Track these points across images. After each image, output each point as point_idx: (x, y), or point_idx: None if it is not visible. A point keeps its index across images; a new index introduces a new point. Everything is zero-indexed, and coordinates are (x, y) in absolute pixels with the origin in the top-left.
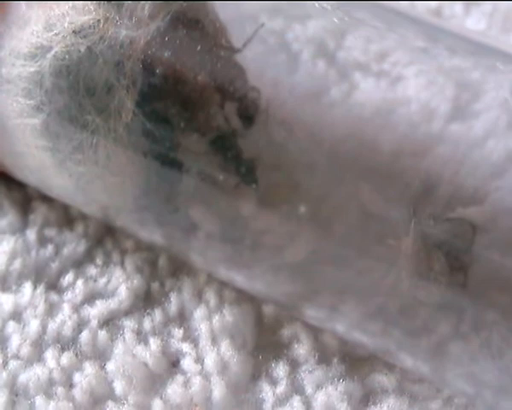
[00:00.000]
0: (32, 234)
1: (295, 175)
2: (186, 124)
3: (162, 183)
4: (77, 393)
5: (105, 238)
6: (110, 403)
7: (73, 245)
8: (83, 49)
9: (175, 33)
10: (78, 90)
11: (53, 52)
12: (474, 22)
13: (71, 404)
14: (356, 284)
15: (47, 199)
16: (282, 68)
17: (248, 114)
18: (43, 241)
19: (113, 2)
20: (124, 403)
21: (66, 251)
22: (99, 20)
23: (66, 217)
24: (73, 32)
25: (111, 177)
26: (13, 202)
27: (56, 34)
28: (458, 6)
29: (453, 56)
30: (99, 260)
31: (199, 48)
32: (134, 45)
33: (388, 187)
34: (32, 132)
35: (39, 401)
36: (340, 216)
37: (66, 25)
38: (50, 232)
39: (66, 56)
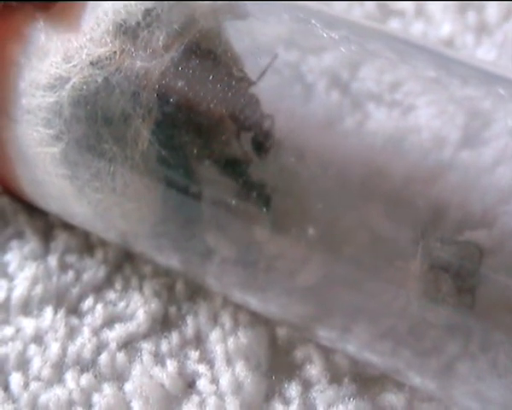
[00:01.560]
0: (53, 260)
1: (307, 201)
2: (200, 152)
3: (178, 209)
4: None
5: (124, 264)
6: None
7: (93, 271)
8: (100, 79)
9: (189, 63)
10: (95, 120)
11: (71, 83)
12: (485, 52)
13: None
14: (366, 306)
15: (68, 226)
16: (297, 98)
17: (262, 142)
18: (63, 267)
19: (129, 34)
20: None
21: (86, 277)
22: (115, 52)
23: (87, 243)
24: (91, 63)
25: (128, 204)
26: (35, 229)
27: (74, 66)
28: (469, 36)
29: (464, 86)
30: (118, 286)
31: (212, 78)
32: (149, 76)
33: (398, 211)
34: (51, 161)
35: None
36: (351, 240)
37: (83, 56)
38: (71, 258)
39: (84, 87)
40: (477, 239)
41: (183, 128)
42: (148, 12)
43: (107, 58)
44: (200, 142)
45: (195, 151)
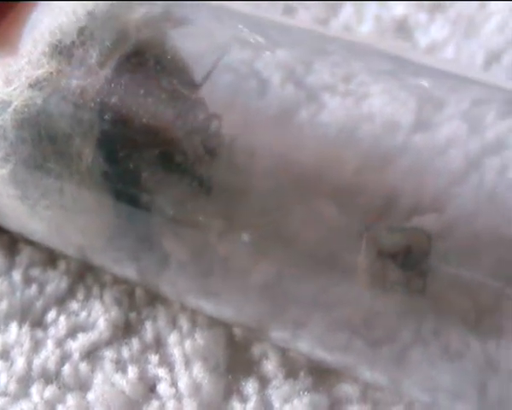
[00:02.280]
0: (17, 275)
1: (258, 198)
2: (147, 161)
3: (131, 220)
4: None
5: (86, 273)
6: None
7: (56, 282)
8: (39, 101)
9: (126, 76)
10: (39, 140)
11: (13, 106)
12: (438, 29)
13: None
14: (318, 300)
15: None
16: (248, 95)
17: (210, 144)
18: (27, 281)
19: (64, 53)
20: None
21: (49, 289)
22: (52, 73)
23: (50, 256)
24: (30, 85)
25: (80, 219)
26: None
27: (15, 89)
28: (423, 15)
29: (417, 78)
30: (80, 295)
31: (153, 86)
32: (85, 93)
33: (348, 202)
34: (1, 181)
35: None
36: (303, 234)
37: (23, 79)
38: (35, 272)
39: (26, 109)
40: (426, 224)
41: (126, 141)
42: (81, 30)
43: (44, 79)
44: (146, 151)
45: (143, 161)
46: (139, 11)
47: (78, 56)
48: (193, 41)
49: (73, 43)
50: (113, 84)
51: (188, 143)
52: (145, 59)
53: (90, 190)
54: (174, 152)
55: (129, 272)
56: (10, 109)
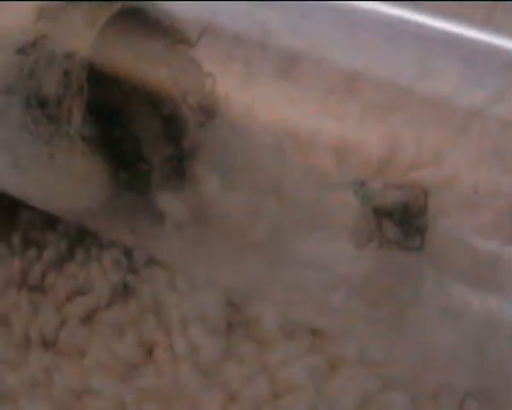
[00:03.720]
0: (16, 238)
1: (255, 157)
2: (145, 119)
3: (124, 183)
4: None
5: (85, 236)
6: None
7: (55, 245)
8: (27, 66)
9: (116, 36)
10: (30, 105)
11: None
12: None
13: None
14: (316, 257)
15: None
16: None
17: (208, 104)
18: (26, 244)
19: (50, 17)
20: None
21: (48, 252)
22: (38, 37)
23: (49, 219)
24: (17, 50)
25: (72, 184)
26: None
27: (1, 56)
28: None
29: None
30: (79, 258)
31: (143, 46)
32: (73, 56)
33: (344, 157)
34: None
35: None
36: (299, 191)
37: (9, 46)
38: (34, 235)
39: (14, 74)
40: (421, 180)
41: (118, 102)
42: None
43: (31, 44)
44: (144, 109)
45: (140, 120)
46: None
47: (65, 19)
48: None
49: (59, 6)
50: (101, 45)
51: (183, 103)
52: (134, 19)
53: (81, 154)
54: (168, 112)
55: (125, 236)
56: None
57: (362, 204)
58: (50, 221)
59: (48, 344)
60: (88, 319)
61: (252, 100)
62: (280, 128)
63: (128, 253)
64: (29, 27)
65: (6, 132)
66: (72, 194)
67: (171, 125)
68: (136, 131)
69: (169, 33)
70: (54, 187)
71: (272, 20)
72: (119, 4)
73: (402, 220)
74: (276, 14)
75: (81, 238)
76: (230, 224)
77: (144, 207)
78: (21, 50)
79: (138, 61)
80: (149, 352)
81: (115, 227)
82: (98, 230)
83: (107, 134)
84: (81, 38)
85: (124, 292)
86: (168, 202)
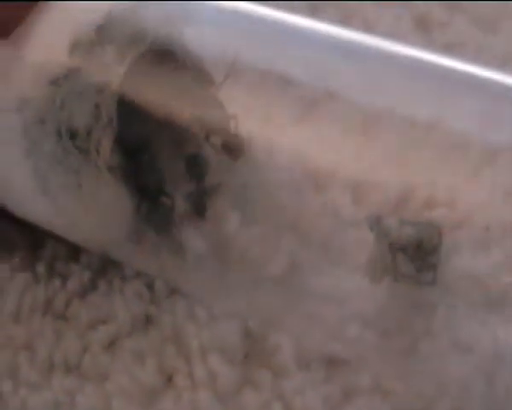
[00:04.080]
0: (41, 268)
1: (276, 195)
2: (169, 157)
3: (150, 215)
4: None
5: (108, 267)
6: None
7: (78, 276)
8: (59, 97)
9: (145, 73)
10: (59, 136)
11: (33, 103)
12: None
13: None
14: (331, 292)
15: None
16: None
17: (232, 145)
18: (51, 274)
19: (83, 51)
20: None
21: (71, 282)
22: (71, 70)
23: (73, 250)
24: (50, 82)
25: (98, 214)
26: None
27: (35, 86)
28: None
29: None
30: (102, 289)
31: (174, 83)
32: (103, 90)
33: (361, 195)
34: (23, 177)
35: None
36: (317, 228)
37: (43, 76)
38: (58, 266)
39: (46, 106)
40: (436, 219)
41: (145, 137)
42: (100, 29)
43: (64, 76)
44: (168, 146)
45: (164, 155)
46: (156, 10)
47: (97, 54)
48: (209, 41)
49: (92, 41)
50: (130, 81)
51: (206, 143)
52: (163, 58)
53: (108, 185)
54: (192, 150)
55: (148, 266)
56: (31, 106)
57: (377, 239)
58: (74, 253)
59: (71, 369)
60: (110, 346)
61: (272, 140)
62: (299, 167)
63: (150, 285)
64: (62, 60)
65: (37, 161)
66: (97, 224)
67: (194, 163)
68: (160, 166)
69: (195, 73)
70: (80, 216)
71: (293, 62)
72: (148, 42)
73: (416, 256)
74: (296, 57)
75: (104, 270)
76: (249, 258)
77: (166, 240)
78: (54, 82)
79: (164, 99)
80: (169, 378)
81: (138, 258)
82: (122, 260)
83: (132, 166)
84: (112, 72)
85: (145, 322)
86: (189, 236)
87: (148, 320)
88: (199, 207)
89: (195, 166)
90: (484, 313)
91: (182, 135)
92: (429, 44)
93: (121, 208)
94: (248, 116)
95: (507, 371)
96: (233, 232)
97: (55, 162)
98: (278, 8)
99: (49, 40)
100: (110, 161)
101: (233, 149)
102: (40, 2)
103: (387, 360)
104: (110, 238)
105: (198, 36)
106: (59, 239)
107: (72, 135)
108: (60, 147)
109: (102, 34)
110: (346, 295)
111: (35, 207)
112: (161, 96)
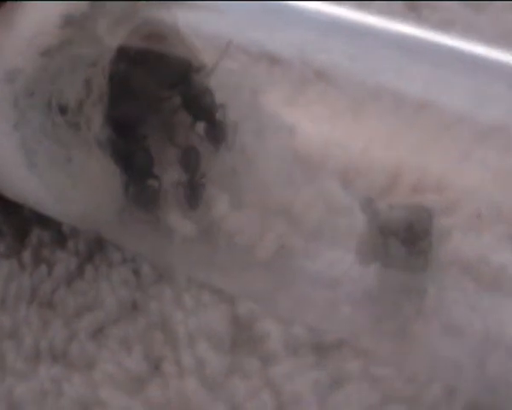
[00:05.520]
0: (27, 256)
1: (265, 180)
2: (156, 138)
3: (139, 195)
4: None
5: (94, 254)
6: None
7: (65, 263)
8: (50, 70)
9: (136, 49)
10: (49, 109)
11: (24, 74)
12: None
13: None
14: (323, 275)
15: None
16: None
17: (215, 133)
18: (37, 261)
19: (76, 24)
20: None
21: (58, 269)
22: (63, 42)
23: (59, 237)
24: (41, 54)
25: (87, 190)
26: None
27: (26, 57)
28: None
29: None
30: (88, 275)
31: (165, 65)
32: (95, 63)
33: (351, 179)
34: (11, 150)
35: None
36: (308, 212)
37: (34, 48)
38: (44, 253)
39: (37, 78)
40: (427, 202)
41: (136, 116)
42: (92, 3)
43: (56, 48)
44: (155, 129)
45: (154, 139)
46: None
47: (89, 28)
48: (203, 25)
49: (84, 14)
50: (121, 59)
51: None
52: (161, 35)
53: (98, 160)
54: (185, 134)
55: (137, 247)
56: (21, 77)
57: (368, 221)
58: (60, 240)
59: (57, 357)
60: (96, 333)
61: (261, 125)
62: (288, 151)
63: (136, 271)
64: (55, 31)
65: (26, 133)
66: (86, 200)
67: (184, 150)
68: (149, 149)
69: (185, 60)
70: (69, 191)
71: (282, 46)
72: (140, 19)
73: (407, 240)
74: (286, 42)
75: (90, 257)
76: (239, 241)
77: (154, 221)
78: (46, 53)
79: (152, 86)
80: (156, 366)
81: (128, 238)
82: (111, 239)
83: (122, 144)
84: (104, 47)
85: (132, 308)
86: (177, 219)
87: (135, 307)
88: (191, 199)
89: (185, 154)
90: (475, 296)
91: (169, 122)
92: (419, 23)
93: (111, 185)
94: (236, 103)
95: (498, 354)
96: (222, 216)
97: (45, 135)
98: None
99: (41, 12)
100: (100, 136)
101: (215, 136)
102: None
103: (378, 343)
104: (99, 216)
105: (191, 18)
106: (45, 225)
107: (63, 108)
108: (49, 120)
109: (95, 7)
110: (336, 279)
111: (22, 183)
112: (149, 82)
